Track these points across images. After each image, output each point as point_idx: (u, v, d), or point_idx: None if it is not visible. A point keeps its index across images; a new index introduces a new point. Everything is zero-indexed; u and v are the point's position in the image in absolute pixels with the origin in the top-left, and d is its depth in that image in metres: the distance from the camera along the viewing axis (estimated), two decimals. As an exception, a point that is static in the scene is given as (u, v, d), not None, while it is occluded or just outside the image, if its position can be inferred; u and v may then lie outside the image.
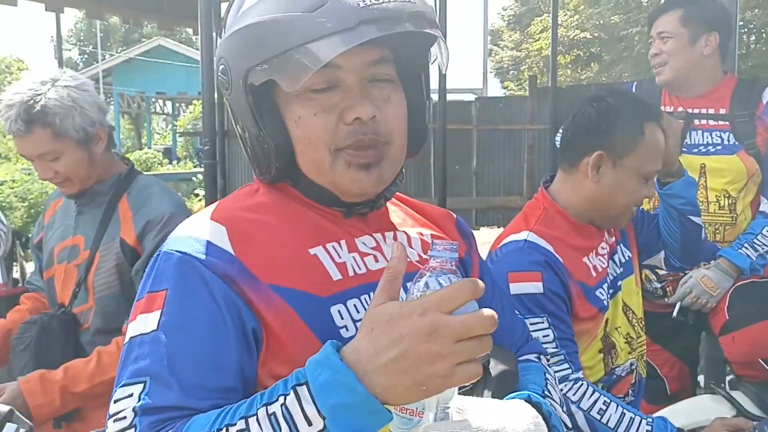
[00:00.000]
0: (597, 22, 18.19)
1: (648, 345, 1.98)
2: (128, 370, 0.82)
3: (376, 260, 0.99)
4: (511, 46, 24.59)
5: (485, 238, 1.82)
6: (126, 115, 21.68)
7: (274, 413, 0.73)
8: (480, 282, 0.73)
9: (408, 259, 0.80)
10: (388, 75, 0.96)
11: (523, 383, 1.06)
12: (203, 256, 0.88)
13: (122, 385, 0.82)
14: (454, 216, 1.21)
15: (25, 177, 11.01)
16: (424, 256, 0.81)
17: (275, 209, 0.98)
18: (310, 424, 0.71)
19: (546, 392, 1.05)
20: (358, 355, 0.73)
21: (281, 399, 0.73)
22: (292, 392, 0.73)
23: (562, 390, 1.48)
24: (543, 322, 1.54)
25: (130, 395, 0.80)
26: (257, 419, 0.73)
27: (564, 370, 1.53)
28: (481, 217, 9.84)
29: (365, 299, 0.94)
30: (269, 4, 0.88)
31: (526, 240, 1.62)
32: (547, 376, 1.12)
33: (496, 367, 1.02)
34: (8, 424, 1.36)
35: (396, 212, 1.11)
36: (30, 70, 27.94)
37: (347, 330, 0.91)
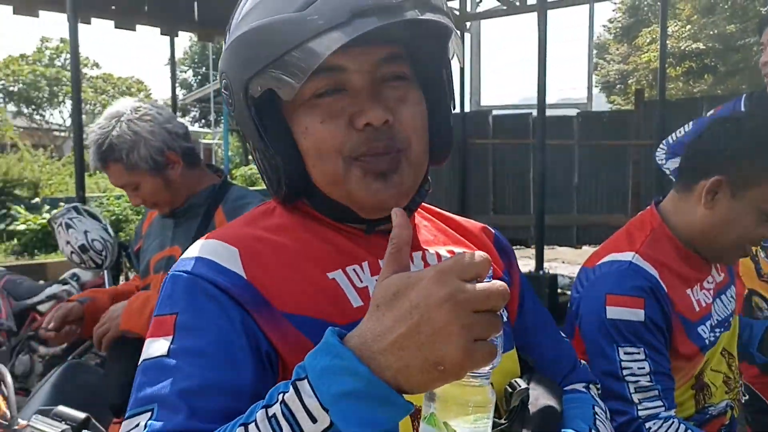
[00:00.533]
0: (711, 32, 17.31)
1: (758, 377, 1.81)
2: (135, 398, 0.76)
3: None
4: (618, 59, 23.80)
5: (587, 256, 1.70)
6: (234, 133, 22.63)
7: (274, 414, 0.63)
8: (489, 258, 0.64)
9: None
10: (402, 72, 0.87)
11: (569, 419, 0.96)
12: (215, 278, 0.82)
13: (130, 416, 0.75)
14: (493, 231, 1.11)
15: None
16: None
17: (292, 230, 0.91)
18: (314, 420, 0.61)
19: (594, 430, 0.95)
20: (363, 336, 0.63)
21: (280, 397, 0.64)
22: (291, 388, 0.63)
23: (649, 429, 1.37)
24: (639, 353, 1.42)
25: (137, 425, 0.73)
26: (256, 423, 0.64)
27: (657, 407, 1.40)
28: (583, 235, 9.51)
29: None
30: (261, 9, 0.83)
31: (630, 262, 1.50)
32: (597, 409, 1.01)
33: (536, 403, 0.92)
34: (84, 431, 1.38)
35: (427, 228, 1.01)
36: (149, 90, 29.72)
37: None
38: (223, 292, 0.80)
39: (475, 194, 10.27)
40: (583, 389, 1.05)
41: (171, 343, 0.77)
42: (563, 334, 1.15)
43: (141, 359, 0.80)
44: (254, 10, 0.83)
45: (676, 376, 1.50)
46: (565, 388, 1.04)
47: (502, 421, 0.88)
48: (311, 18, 0.77)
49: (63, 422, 1.33)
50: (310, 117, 0.85)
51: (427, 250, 0.95)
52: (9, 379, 1.34)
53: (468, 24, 10.88)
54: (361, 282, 0.87)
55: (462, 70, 10.14)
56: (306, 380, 0.63)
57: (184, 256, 0.86)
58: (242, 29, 0.83)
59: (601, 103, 23.66)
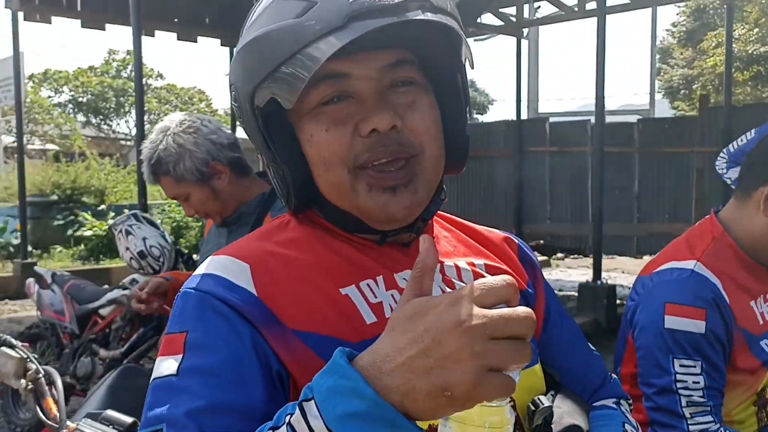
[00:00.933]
0: (781, 35, 16.63)
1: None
2: (145, 418, 0.75)
3: None
4: (683, 63, 23.13)
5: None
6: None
7: None
8: (514, 282, 0.61)
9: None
10: (411, 77, 0.83)
11: None
12: (224, 295, 0.79)
13: None
14: (517, 241, 1.05)
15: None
16: None
17: (305, 244, 0.87)
18: None
19: None
20: (373, 357, 0.61)
21: (287, 419, 0.62)
22: (297, 409, 0.61)
23: None
24: (695, 367, 1.36)
25: None
26: None
27: (708, 423, 1.34)
28: (643, 244, 9.25)
29: None
30: (265, 17, 0.80)
31: (693, 270, 1.43)
32: (627, 427, 0.95)
33: (560, 422, 0.88)
34: None
35: (446, 239, 0.97)
36: (210, 100, 30.45)
37: None
38: (233, 310, 0.79)
39: (531, 203, 10.14)
40: (614, 405, 1.00)
41: (181, 362, 0.76)
42: (608, 348, 1.11)
43: (152, 377, 0.78)
44: (259, 19, 0.82)
45: (737, 390, 1.43)
46: (594, 404, 1.00)
47: None
48: (308, 24, 0.75)
49: (111, 426, 1.36)
50: (315, 125, 0.82)
51: (444, 262, 0.92)
52: (59, 382, 1.37)
53: (525, 31, 10.76)
54: (375, 297, 0.84)
55: (518, 76, 10.04)
56: (313, 401, 0.61)
57: (196, 272, 0.85)
58: (245, 40, 0.83)
59: (664, 109, 23.02)
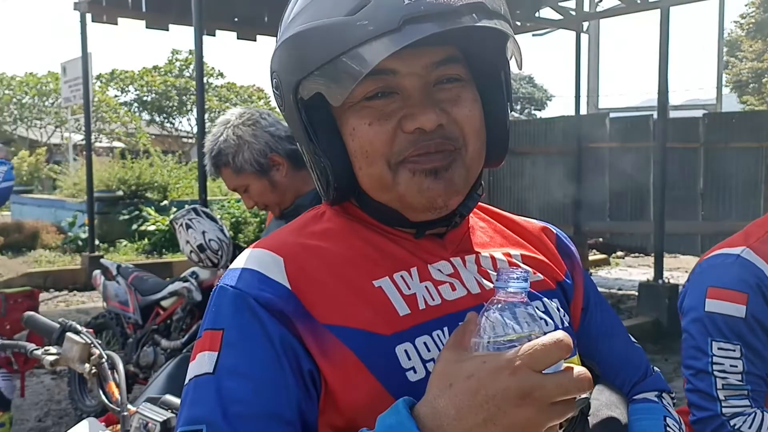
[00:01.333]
0: None
1: None
2: (184, 416, 0.78)
3: (453, 288, 0.85)
4: (752, 56, 22.28)
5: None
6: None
7: None
8: (568, 338, 0.64)
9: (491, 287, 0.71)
10: (457, 75, 0.83)
11: (635, 431, 0.90)
12: (258, 292, 0.80)
13: None
14: (554, 231, 1.04)
15: (258, 194, 12.14)
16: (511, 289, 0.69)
17: (339, 235, 0.88)
18: None
19: None
20: (439, 418, 0.65)
21: None
22: None
23: (735, 425, 1.30)
24: (735, 351, 1.35)
25: None
26: None
27: (743, 406, 1.33)
28: (709, 243, 8.95)
29: (438, 336, 0.81)
30: (312, 10, 0.80)
31: (739, 255, 1.43)
32: (669, 421, 0.93)
33: (597, 413, 0.87)
34: None
35: (483, 230, 0.97)
36: (268, 98, 30.91)
37: (415, 372, 0.79)
38: (265, 309, 0.80)
39: (591, 200, 9.93)
40: (655, 399, 0.99)
41: (217, 360, 0.78)
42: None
43: (190, 373, 0.81)
44: (304, 12, 0.82)
45: None
46: (635, 397, 0.98)
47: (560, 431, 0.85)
48: (361, 23, 0.75)
49: (169, 410, 1.41)
50: (359, 119, 0.82)
51: (480, 253, 0.92)
52: (121, 367, 1.42)
53: (585, 24, 10.54)
54: (409, 289, 0.84)
55: (578, 71, 9.84)
56: None
57: (233, 265, 0.87)
58: (293, 30, 0.82)
59: (732, 104, 22.21)
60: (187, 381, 0.81)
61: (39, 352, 1.55)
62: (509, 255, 0.93)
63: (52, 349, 1.54)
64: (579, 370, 0.64)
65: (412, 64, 0.80)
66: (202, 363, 0.80)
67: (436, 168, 0.81)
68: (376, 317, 0.81)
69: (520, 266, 0.69)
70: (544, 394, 0.62)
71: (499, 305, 0.66)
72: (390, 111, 0.81)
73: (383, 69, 0.79)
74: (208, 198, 7.62)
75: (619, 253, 11.36)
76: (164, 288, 4.31)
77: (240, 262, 0.86)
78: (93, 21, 8.57)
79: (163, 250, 10.72)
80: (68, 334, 1.53)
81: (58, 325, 1.59)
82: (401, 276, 0.85)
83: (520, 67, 0.84)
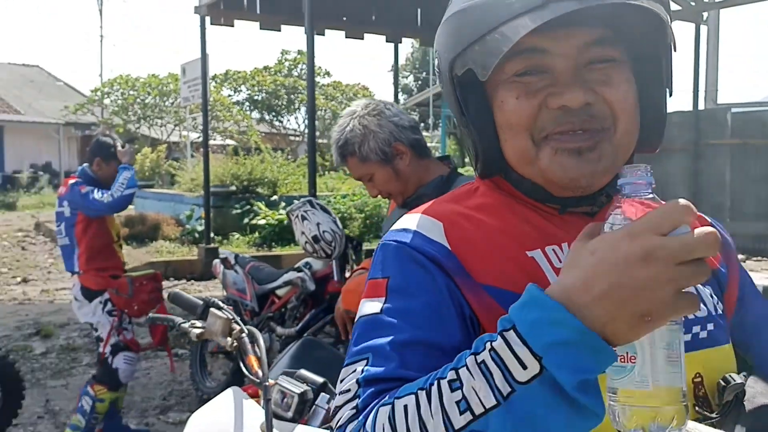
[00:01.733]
0: None
1: None
2: (352, 350, 0.83)
3: None
4: None
5: None
6: (452, 136, 23.08)
7: (483, 361, 0.67)
8: (688, 202, 0.63)
9: None
10: (610, 56, 0.84)
11: None
12: (422, 246, 0.86)
13: (348, 364, 0.83)
14: (708, 219, 1.01)
15: (363, 191, 12.35)
16: None
17: (493, 209, 0.92)
18: (524, 367, 0.64)
19: None
20: (566, 292, 0.65)
21: (488, 345, 0.67)
22: (499, 337, 0.67)
23: None
24: None
25: (354, 371, 0.80)
26: (467, 368, 0.68)
27: None
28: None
29: None
30: None
31: None
32: None
33: (753, 400, 0.85)
34: (322, 394, 1.52)
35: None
36: (373, 96, 31.31)
37: None
38: (429, 260, 0.85)
39: (709, 199, 9.44)
40: None
41: (384, 303, 0.83)
42: None
43: (357, 316, 0.87)
44: None
45: None
46: None
47: (714, 415, 0.84)
48: (509, 1, 0.77)
49: (305, 384, 1.49)
50: (507, 92, 0.85)
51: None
52: (262, 341, 1.51)
53: (705, 15, 10.02)
54: (560, 262, 0.86)
55: (696, 64, 9.38)
56: (512, 330, 0.66)
57: (393, 228, 0.92)
58: (452, 10, 0.87)
59: None
60: (354, 325, 0.87)
61: (186, 325, 1.68)
62: None
63: (198, 323, 1.66)
64: (704, 229, 0.63)
65: (563, 44, 0.82)
66: (369, 307, 0.85)
67: (580, 148, 0.83)
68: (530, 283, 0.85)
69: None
70: (668, 253, 0.61)
71: (627, 200, 0.68)
72: (538, 87, 0.84)
73: (533, 47, 0.81)
74: (316, 193, 7.83)
75: (740, 256, 10.72)
76: (279, 277, 4.49)
77: (400, 224, 0.91)
78: (212, 23, 8.97)
79: (273, 243, 11.09)
80: (212, 309, 1.65)
81: (201, 302, 1.71)
82: (553, 250, 0.88)
83: (674, 50, 0.84)
